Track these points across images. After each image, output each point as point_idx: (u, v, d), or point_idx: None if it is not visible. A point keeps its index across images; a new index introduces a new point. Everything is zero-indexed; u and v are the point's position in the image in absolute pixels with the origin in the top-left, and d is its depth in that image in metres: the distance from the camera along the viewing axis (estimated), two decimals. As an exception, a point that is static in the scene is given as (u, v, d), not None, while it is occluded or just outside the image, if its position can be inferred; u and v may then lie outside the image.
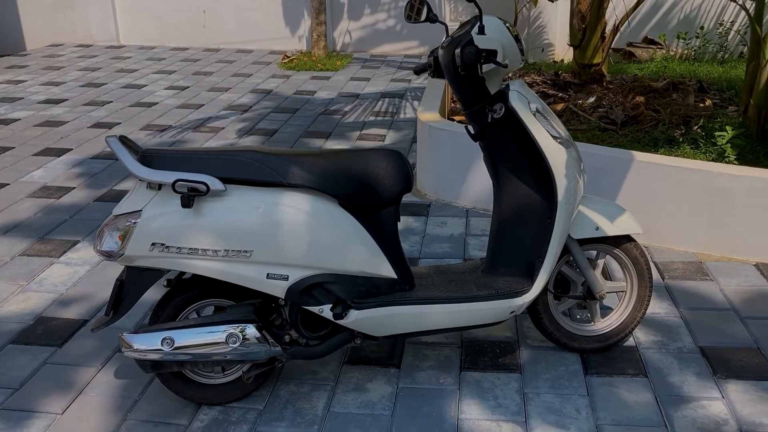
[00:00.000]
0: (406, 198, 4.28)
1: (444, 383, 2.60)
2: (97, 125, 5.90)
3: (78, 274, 3.41)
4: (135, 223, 2.23)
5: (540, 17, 8.15)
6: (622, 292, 2.75)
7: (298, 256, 2.29)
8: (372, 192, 2.35)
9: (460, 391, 2.56)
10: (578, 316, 2.79)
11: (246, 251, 2.25)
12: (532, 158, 2.47)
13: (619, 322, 2.74)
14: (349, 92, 7.03)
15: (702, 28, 7.63)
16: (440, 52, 2.50)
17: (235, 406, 2.49)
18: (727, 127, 4.09)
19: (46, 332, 2.94)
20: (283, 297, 2.33)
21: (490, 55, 2.34)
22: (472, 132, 2.56)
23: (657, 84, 5.65)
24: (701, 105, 5.15)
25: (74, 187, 4.52)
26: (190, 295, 2.41)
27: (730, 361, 2.70)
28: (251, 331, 2.33)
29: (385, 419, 2.42)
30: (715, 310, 3.05)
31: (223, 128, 5.81)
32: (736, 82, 5.77)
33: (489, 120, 2.46)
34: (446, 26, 2.68)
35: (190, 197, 2.20)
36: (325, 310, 2.36)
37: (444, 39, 2.52)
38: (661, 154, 4.02)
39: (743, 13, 5.89)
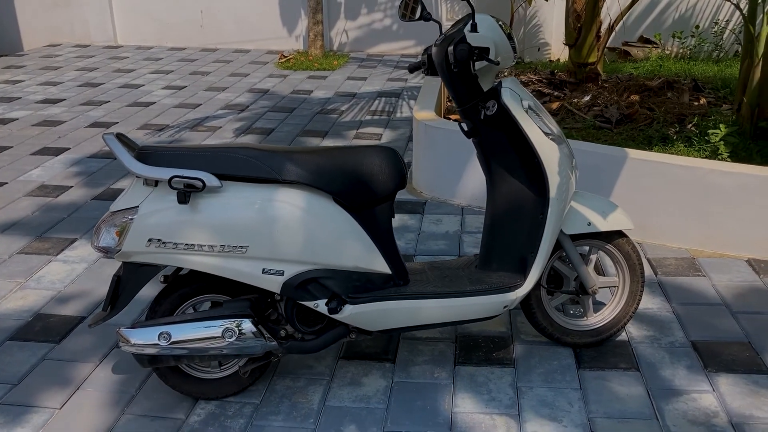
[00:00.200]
0: (402, 196, 4.31)
1: (438, 377, 2.63)
2: (95, 125, 5.92)
3: (75, 272, 3.44)
4: (132, 219, 2.26)
5: (536, 16, 8.18)
6: (615, 287, 2.78)
7: (293, 251, 2.31)
8: (366, 188, 2.38)
9: (455, 385, 2.59)
10: (571, 311, 2.82)
11: (242, 247, 2.28)
12: (525, 155, 2.50)
13: (612, 317, 2.77)
14: (345, 91, 7.06)
15: (697, 27, 7.67)
16: (434, 49, 2.53)
17: (231, 401, 2.52)
18: (721, 125, 4.13)
19: (44, 329, 2.96)
20: (278, 292, 2.35)
21: (483, 52, 2.37)
22: (466, 129, 2.59)
23: (652, 83, 5.69)
24: (696, 103, 5.19)
25: (72, 186, 4.55)
26: (186, 291, 2.44)
27: (720, 354, 2.73)
28: (247, 325, 2.35)
29: (380, 413, 2.45)
30: (707, 305, 3.08)
31: (221, 127, 5.83)
32: (730, 80, 5.81)
33: (482, 117, 2.49)
34: (440, 24, 2.71)
35: (186, 193, 2.23)
36: (320, 305, 2.38)
37: (438, 37, 2.55)
38: (655, 152, 4.05)
39: (738, 12, 5.93)
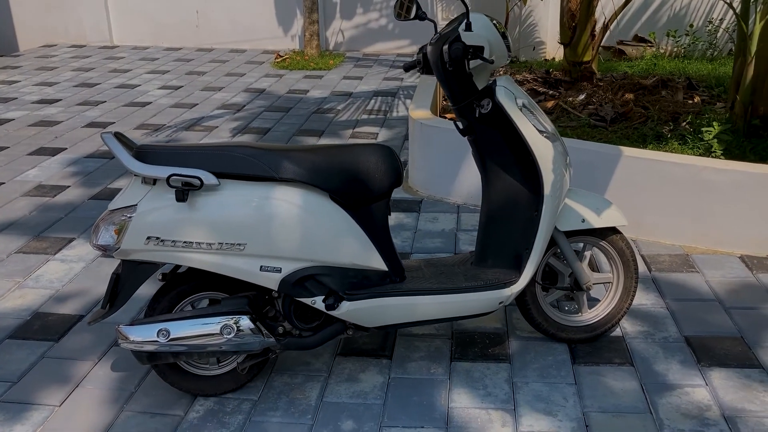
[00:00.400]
0: (399, 194, 4.33)
1: (435, 373, 2.66)
2: (91, 125, 5.94)
3: (74, 271, 3.45)
4: (130, 217, 2.28)
5: (531, 16, 8.21)
6: (609, 283, 2.81)
7: (290, 248, 2.34)
8: (362, 186, 2.40)
9: (451, 381, 2.61)
10: (566, 308, 2.85)
11: (239, 244, 2.30)
12: (519, 152, 2.52)
13: (606, 313, 2.80)
14: (341, 91, 7.08)
15: (692, 26, 7.71)
16: (429, 48, 2.55)
17: (230, 397, 2.54)
18: (714, 123, 4.16)
19: (42, 327, 2.98)
20: (276, 289, 2.38)
21: (477, 51, 2.40)
22: (461, 127, 2.61)
23: (646, 81, 5.72)
24: (690, 102, 5.22)
25: (69, 186, 4.56)
26: (185, 288, 2.46)
27: (714, 349, 2.76)
28: (245, 322, 2.37)
29: (377, 408, 2.47)
30: (701, 301, 3.11)
31: (217, 127, 5.85)
32: (724, 78, 5.84)
33: (477, 115, 2.51)
34: (435, 24, 2.74)
35: (184, 191, 2.25)
36: (318, 302, 2.41)
37: (433, 36, 2.58)
38: (649, 149, 4.08)
39: (731, 11, 5.97)
